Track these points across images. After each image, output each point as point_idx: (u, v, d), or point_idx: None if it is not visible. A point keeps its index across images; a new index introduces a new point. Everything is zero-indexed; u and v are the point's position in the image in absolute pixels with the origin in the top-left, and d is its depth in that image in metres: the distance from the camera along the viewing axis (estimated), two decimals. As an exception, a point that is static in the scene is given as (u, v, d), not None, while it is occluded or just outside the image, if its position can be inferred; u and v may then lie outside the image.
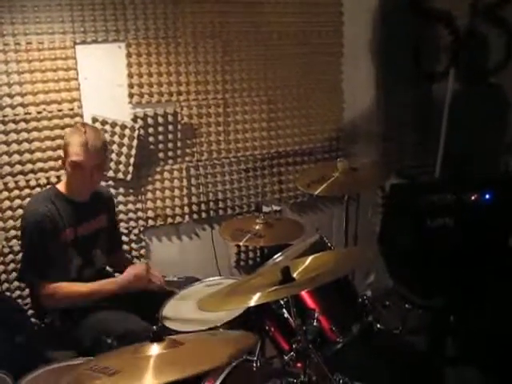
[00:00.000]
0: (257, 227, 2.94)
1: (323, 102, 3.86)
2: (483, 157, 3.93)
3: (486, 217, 3.16)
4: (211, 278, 2.89)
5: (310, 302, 2.38)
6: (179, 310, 2.61)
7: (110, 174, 3.25)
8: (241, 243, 2.99)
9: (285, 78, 3.69)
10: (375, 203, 4.07)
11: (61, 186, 2.73)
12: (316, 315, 2.30)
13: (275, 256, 2.65)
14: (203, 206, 3.57)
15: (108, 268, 2.99)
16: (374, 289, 3.87)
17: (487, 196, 3.22)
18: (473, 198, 3.17)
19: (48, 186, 2.95)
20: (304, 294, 2.37)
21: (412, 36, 3.99)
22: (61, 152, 2.72)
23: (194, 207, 3.54)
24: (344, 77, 3.91)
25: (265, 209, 3.63)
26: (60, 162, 2.72)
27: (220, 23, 3.43)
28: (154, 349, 1.66)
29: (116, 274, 2.88)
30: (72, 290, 2.58)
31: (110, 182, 3.27)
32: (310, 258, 2.04)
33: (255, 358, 2.37)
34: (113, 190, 3.24)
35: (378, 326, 2.71)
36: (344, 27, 3.84)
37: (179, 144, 3.43)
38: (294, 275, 1.92)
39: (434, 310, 3.25)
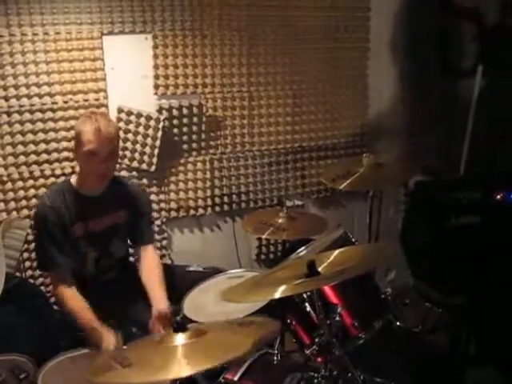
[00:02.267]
0: (280, 221, 2.93)
1: (348, 97, 3.84)
2: (510, 155, 3.88)
3: (512, 216, 3.13)
4: (233, 271, 2.89)
5: (332, 297, 2.37)
6: (201, 302, 2.63)
7: (135, 164, 3.27)
8: (263, 236, 2.98)
9: (310, 72, 3.68)
10: (398, 200, 4.05)
11: (74, 180, 2.68)
12: (339, 310, 2.29)
13: (299, 250, 2.64)
14: (226, 199, 3.57)
15: (131, 259, 2.98)
16: (394, 286, 3.84)
17: (513, 194, 3.19)
18: (499, 196, 3.14)
19: (64, 178, 2.95)
20: (327, 288, 2.35)
21: (439, 31, 3.96)
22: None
23: (217, 200, 3.55)
24: (369, 72, 3.89)
25: (287, 203, 3.61)
26: (72, 154, 2.68)
27: (247, 16, 3.43)
28: (179, 338, 1.67)
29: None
30: (74, 308, 2.54)
31: (134, 173, 3.29)
32: (335, 253, 2.04)
33: (276, 352, 2.38)
34: (136, 181, 3.25)
35: (398, 323, 2.71)
36: (371, 22, 3.82)
37: (203, 136, 3.44)
38: (320, 269, 1.91)
39: (455, 309, 3.22)
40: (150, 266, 2.78)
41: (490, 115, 3.82)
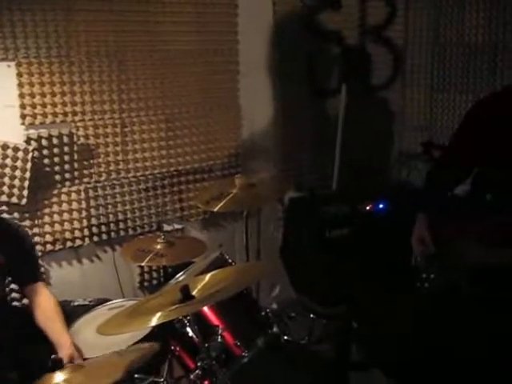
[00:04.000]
0: (158, 247, 2.93)
1: (221, 119, 3.90)
2: (377, 167, 4.12)
3: (382, 225, 3.31)
4: (114, 301, 2.83)
5: (213, 319, 2.39)
6: (82, 336, 2.55)
7: (3, 198, 3.12)
8: (143, 264, 2.96)
9: (182, 96, 3.70)
10: (277, 217, 4.15)
11: None
12: (220, 331, 2.31)
13: (178, 275, 2.64)
14: (103, 228, 3.49)
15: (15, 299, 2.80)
16: (279, 301, 3.93)
17: (381, 205, 3.39)
18: (368, 207, 3.32)
19: None
20: (207, 310, 2.38)
21: (306, 53, 4.13)
22: None
23: (94, 229, 3.46)
24: (241, 94, 3.97)
25: (167, 228, 3.62)
26: None
27: (115, 42, 3.40)
28: (58, 377, 1.64)
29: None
30: None
31: (4, 207, 3.14)
32: (209, 275, 2.06)
33: (162, 380, 2.36)
34: (7, 216, 3.10)
35: (285, 337, 2.77)
36: (239, 45, 3.91)
37: (76, 165, 3.35)
38: (194, 293, 1.93)
39: (337, 318, 3.35)
40: (43, 307, 2.60)
41: (356, 131, 4.04)
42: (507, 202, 2.40)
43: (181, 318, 2.33)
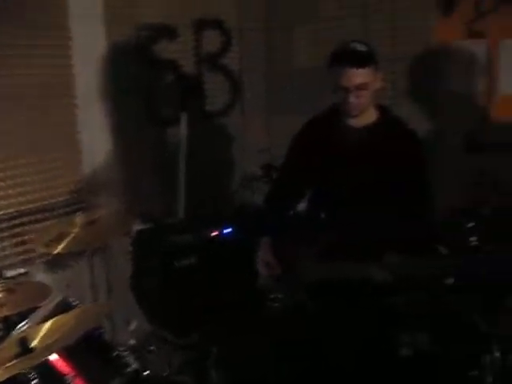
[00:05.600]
0: (-3, 295, 2.73)
1: (60, 155, 3.75)
2: (222, 192, 4.19)
3: (229, 249, 3.36)
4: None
5: (63, 367, 2.28)
6: None
7: None
8: (-20, 317, 2.75)
9: (18, 133, 3.52)
10: (126, 251, 4.06)
11: None
12: (69, 380, 2.22)
13: (20, 325, 2.49)
14: None
15: None
16: (138, 336, 3.84)
17: (227, 230, 3.44)
18: (214, 234, 3.36)
19: None
20: (54, 358, 2.27)
21: (144, 83, 4.12)
22: None
23: None
24: (79, 128, 3.86)
25: (10, 273, 3.40)
26: None
27: None
28: None
29: None
30: None
31: None
32: (49, 322, 1.97)
33: None
34: None
35: (146, 372, 2.72)
36: (75, 78, 3.80)
37: None
38: (35, 343, 1.84)
39: (193, 347, 3.35)
40: None
41: (199, 158, 4.08)
42: (340, 219, 2.53)
43: (25, 371, 2.20)
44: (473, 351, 2.68)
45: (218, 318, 3.23)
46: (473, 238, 2.80)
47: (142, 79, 4.10)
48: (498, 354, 2.58)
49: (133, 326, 3.95)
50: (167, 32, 4.20)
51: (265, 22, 4.58)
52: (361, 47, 2.48)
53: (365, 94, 2.47)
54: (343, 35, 3.65)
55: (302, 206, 2.87)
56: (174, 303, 3.30)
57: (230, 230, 3.43)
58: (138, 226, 3.58)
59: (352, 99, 2.47)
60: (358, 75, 2.43)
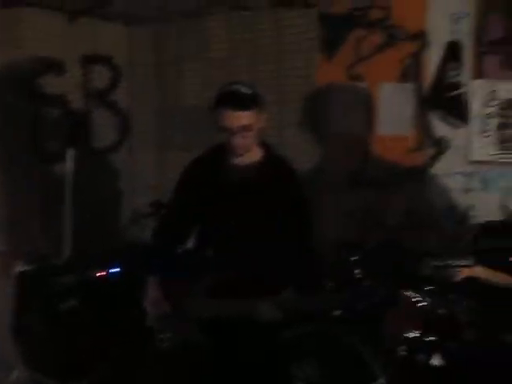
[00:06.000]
0: None
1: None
2: (111, 230, 4.08)
3: (116, 289, 3.26)
4: None
5: None
6: None
7: None
8: None
9: None
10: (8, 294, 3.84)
11: None
12: None
13: None
14: None
15: None
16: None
17: (114, 269, 3.34)
18: (100, 274, 3.25)
19: None
20: None
21: (29, 118, 3.98)
22: None
23: None
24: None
25: None
26: None
27: None
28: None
29: None
30: None
31: None
32: None
33: None
34: None
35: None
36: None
37: None
38: None
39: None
40: None
41: (86, 195, 3.97)
42: (225, 255, 2.54)
43: None
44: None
45: (104, 361, 3.11)
46: (357, 271, 2.91)
47: (27, 114, 3.96)
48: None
49: (15, 374, 3.74)
50: (54, 66, 4.10)
51: (156, 58, 4.58)
52: (244, 89, 2.51)
53: (249, 134, 2.51)
54: (232, 75, 3.73)
55: (190, 242, 2.85)
56: (59, 348, 3.14)
57: (117, 269, 3.33)
58: (21, 268, 3.39)
59: (236, 140, 2.50)
60: (242, 117, 2.46)
